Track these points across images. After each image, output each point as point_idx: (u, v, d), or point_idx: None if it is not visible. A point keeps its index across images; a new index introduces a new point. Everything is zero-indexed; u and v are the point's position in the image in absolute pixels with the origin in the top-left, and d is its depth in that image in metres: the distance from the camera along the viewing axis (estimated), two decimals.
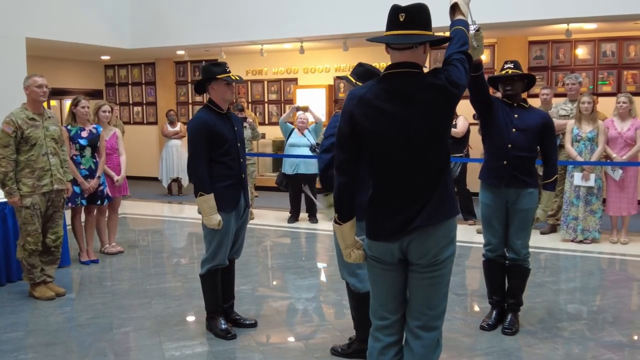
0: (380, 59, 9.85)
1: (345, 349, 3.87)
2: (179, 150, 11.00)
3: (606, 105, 7.99)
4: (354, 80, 3.55)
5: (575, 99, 7.14)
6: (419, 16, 2.43)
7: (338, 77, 3.93)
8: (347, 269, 3.62)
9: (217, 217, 3.97)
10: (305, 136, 8.23)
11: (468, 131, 8.01)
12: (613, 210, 6.92)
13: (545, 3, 7.69)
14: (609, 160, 6.83)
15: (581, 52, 9.66)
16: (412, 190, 2.50)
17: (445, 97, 2.46)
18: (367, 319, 3.07)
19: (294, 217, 8.46)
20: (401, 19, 2.41)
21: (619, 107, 6.79)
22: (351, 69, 3.78)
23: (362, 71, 3.60)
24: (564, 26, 8.31)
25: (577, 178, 6.81)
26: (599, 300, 5.13)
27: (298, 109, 8.53)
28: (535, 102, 4.37)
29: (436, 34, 2.53)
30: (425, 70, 2.53)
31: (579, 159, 6.77)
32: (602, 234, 6.96)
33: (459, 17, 2.78)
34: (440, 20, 3.10)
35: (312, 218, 8.39)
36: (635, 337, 4.28)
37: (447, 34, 2.75)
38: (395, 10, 2.45)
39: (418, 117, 2.44)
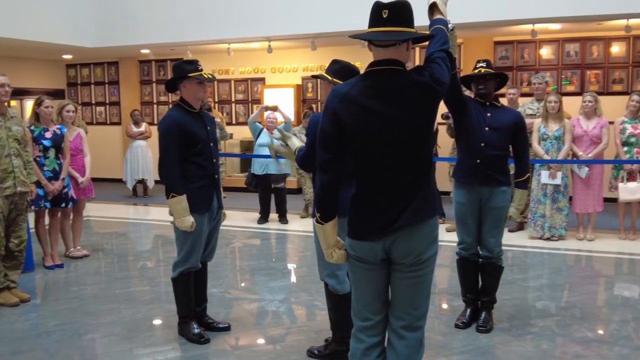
0: (349, 59, 9.83)
1: (322, 350, 3.81)
2: (143, 151, 10.77)
3: (569, 105, 8.13)
4: (330, 78, 3.50)
5: (542, 98, 7.25)
6: (402, 13, 2.41)
7: (314, 76, 3.86)
8: (327, 270, 3.57)
9: (190, 219, 3.88)
10: (274, 136, 8.16)
11: (436, 131, 8.05)
12: (579, 207, 7.05)
13: (511, 4, 7.79)
14: (575, 158, 6.96)
15: (545, 52, 9.82)
16: (400, 189, 2.48)
17: (430, 95, 2.45)
18: (345, 320, 3.04)
19: (263, 218, 8.38)
20: (384, 16, 2.38)
21: (585, 106, 6.93)
22: (320, 68, 3.72)
23: (339, 68, 3.55)
24: (529, 26, 8.43)
25: (544, 176, 6.91)
26: (566, 297, 5.22)
27: (267, 108, 8.46)
28: (501, 102, 4.42)
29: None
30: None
31: (546, 157, 6.87)
32: (568, 231, 7.07)
33: (438, 16, 2.78)
34: (420, 19, 3.09)
35: (282, 219, 8.32)
36: (602, 332, 4.36)
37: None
38: (378, 7, 2.42)
39: (404, 115, 2.42)
